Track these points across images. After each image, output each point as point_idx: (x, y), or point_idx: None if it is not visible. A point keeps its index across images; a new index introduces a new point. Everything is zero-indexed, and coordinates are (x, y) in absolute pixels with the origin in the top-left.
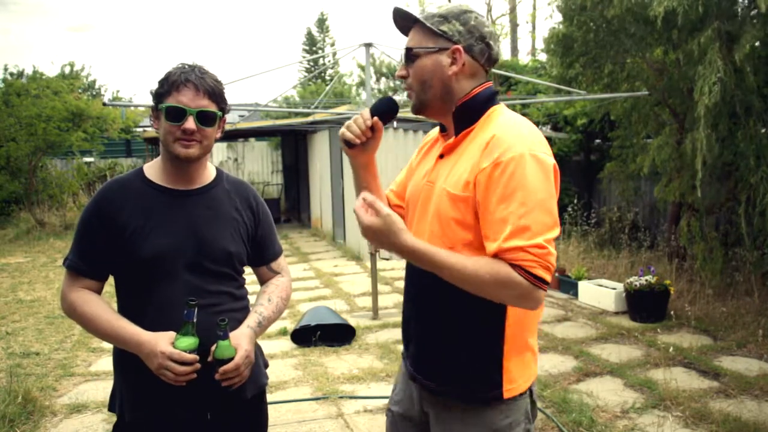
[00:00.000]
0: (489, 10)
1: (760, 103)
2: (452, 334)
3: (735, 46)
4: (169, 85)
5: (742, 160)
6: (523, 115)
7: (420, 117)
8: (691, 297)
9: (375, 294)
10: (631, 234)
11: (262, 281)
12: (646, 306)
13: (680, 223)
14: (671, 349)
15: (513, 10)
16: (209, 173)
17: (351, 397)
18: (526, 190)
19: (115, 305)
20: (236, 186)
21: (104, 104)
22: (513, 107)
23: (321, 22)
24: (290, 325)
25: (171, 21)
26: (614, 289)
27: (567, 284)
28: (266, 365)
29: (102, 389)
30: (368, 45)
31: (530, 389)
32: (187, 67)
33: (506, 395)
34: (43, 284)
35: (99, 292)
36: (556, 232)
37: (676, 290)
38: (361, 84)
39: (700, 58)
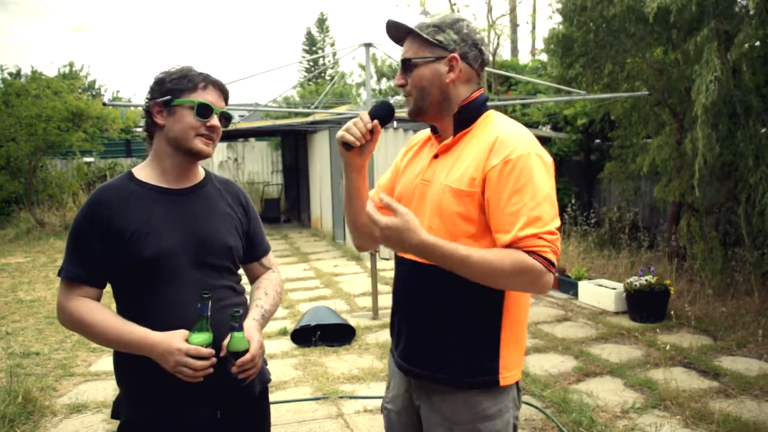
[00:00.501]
0: (489, 10)
1: (759, 103)
2: (452, 323)
3: (732, 46)
4: (192, 83)
5: (741, 160)
6: (523, 115)
7: None
8: (691, 297)
9: (375, 294)
10: (631, 234)
11: (253, 278)
12: (646, 306)
13: (680, 223)
14: (667, 347)
15: (513, 10)
16: (200, 173)
17: (351, 397)
18: (535, 184)
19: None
20: (225, 184)
21: (104, 104)
22: (513, 107)
23: (321, 22)
24: (290, 325)
25: (171, 21)
26: (614, 289)
27: (567, 284)
28: (265, 362)
29: (102, 389)
30: (368, 45)
31: None
32: (195, 69)
33: (502, 383)
34: (43, 284)
35: (98, 300)
36: (558, 221)
37: (676, 290)
38: (362, 84)
39: (697, 57)
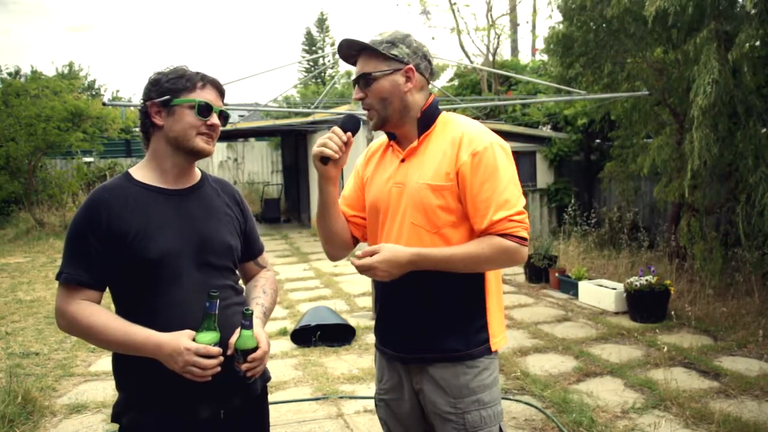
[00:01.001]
0: (489, 10)
1: (760, 103)
2: (443, 302)
3: (732, 46)
4: (190, 83)
5: (741, 160)
6: (523, 115)
7: None
8: (692, 297)
9: None
10: (631, 234)
11: (249, 277)
12: (646, 306)
13: (680, 223)
14: (665, 348)
15: (513, 9)
16: (196, 173)
17: (351, 397)
18: (500, 171)
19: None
20: (220, 184)
21: (104, 104)
22: (513, 107)
23: (321, 22)
24: (290, 325)
25: (171, 21)
26: (614, 289)
27: (567, 284)
28: None
29: (102, 389)
30: None
31: None
32: (188, 69)
33: (493, 347)
34: (42, 284)
35: (98, 303)
36: (524, 200)
37: (676, 290)
38: None
39: (696, 58)
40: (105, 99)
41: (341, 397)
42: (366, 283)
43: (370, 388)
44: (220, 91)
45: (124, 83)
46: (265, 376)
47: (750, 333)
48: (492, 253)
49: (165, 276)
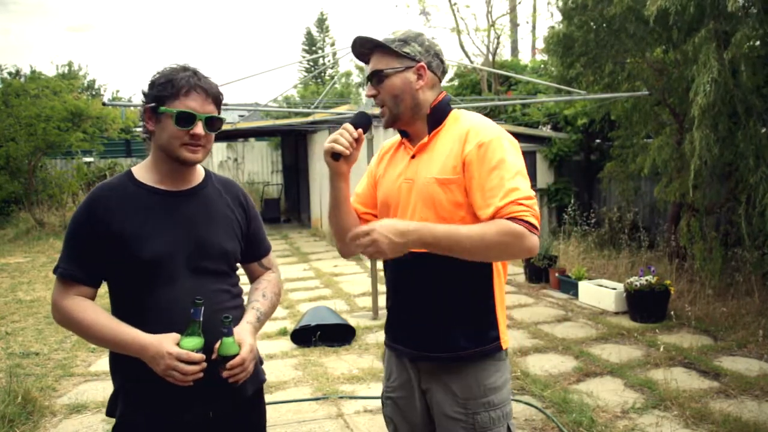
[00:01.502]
0: (489, 10)
1: (760, 103)
2: (452, 301)
3: (730, 46)
4: (175, 89)
5: (741, 160)
6: (523, 115)
7: None
8: (692, 297)
9: (375, 294)
10: (631, 234)
11: (253, 278)
12: (646, 306)
13: (680, 223)
14: (662, 348)
15: (513, 9)
16: (199, 173)
17: (351, 397)
18: (508, 161)
19: (109, 311)
20: (225, 184)
21: (104, 104)
22: (513, 107)
23: (321, 22)
24: (290, 325)
25: (171, 21)
26: (614, 289)
27: (567, 284)
28: (261, 362)
29: (102, 389)
30: None
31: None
32: (187, 70)
33: (503, 345)
34: (42, 284)
35: (92, 299)
36: (533, 193)
37: (676, 290)
38: (361, 85)
39: (695, 58)
40: (105, 99)
41: (341, 397)
42: (366, 283)
43: (370, 388)
44: (211, 95)
45: (124, 83)
46: (259, 379)
47: (750, 333)
48: (498, 234)
49: (157, 278)
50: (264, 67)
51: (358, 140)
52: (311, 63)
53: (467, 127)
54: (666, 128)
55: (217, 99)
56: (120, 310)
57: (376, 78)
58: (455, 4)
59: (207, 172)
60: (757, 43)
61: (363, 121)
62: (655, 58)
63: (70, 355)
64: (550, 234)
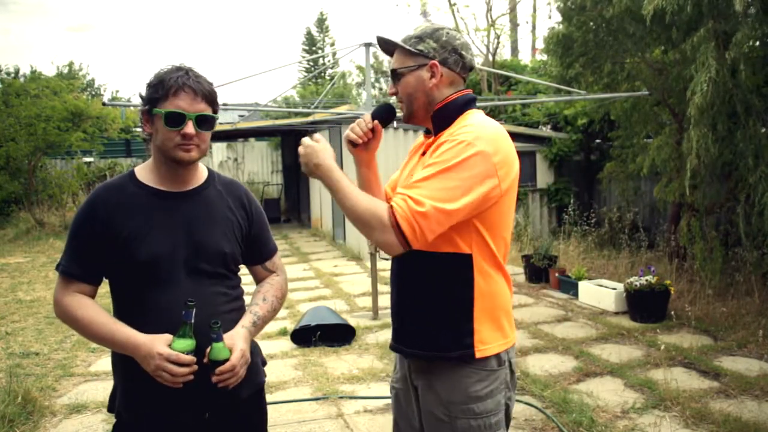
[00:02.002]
0: (489, 10)
1: (759, 103)
2: (432, 305)
3: (730, 46)
4: (165, 90)
5: (741, 160)
6: (523, 115)
7: None
8: (692, 297)
9: (375, 294)
10: (631, 234)
11: (258, 280)
12: (646, 306)
13: (680, 223)
14: (662, 348)
15: (513, 9)
16: (201, 174)
17: (351, 397)
18: (443, 164)
19: (110, 309)
20: (228, 186)
21: (104, 104)
22: (513, 107)
23: (321, 22)
24: (290, 325)
25: (171, 21)
26: (614, 289)
27: (567, 284)
28: (264, 363)
29: (102, 389)
30: (368, 45)
31: (509, 361)
32: (180, 70)
33: (478, 355)
34: (42, 284)
35: (93, 296)
36: (450, 210)
37: (676, 290)
38: (361, 84)
39: (693, 57)
40: (105, 99)
41: (341, 397)
42: (366, 283)
43: (370, 388)
44: (201, 93)
45: (124, 83)
46: (257, 381)
47: (750, 333)
48: (366, 211)
49: (156, 278)
50: (264, 67)
51: (374, 130)
52: (311, 63)
53: (461, 125)
54: (665, 128)
55: (208, 97)
56: (121, 310)
57: (393, 76)
58: (455, 4)
59: (211, 173)
60: (757, 43)
61: (383, 113)
62: (655, 58)
63: (70, 355)
64: (550, 234)
